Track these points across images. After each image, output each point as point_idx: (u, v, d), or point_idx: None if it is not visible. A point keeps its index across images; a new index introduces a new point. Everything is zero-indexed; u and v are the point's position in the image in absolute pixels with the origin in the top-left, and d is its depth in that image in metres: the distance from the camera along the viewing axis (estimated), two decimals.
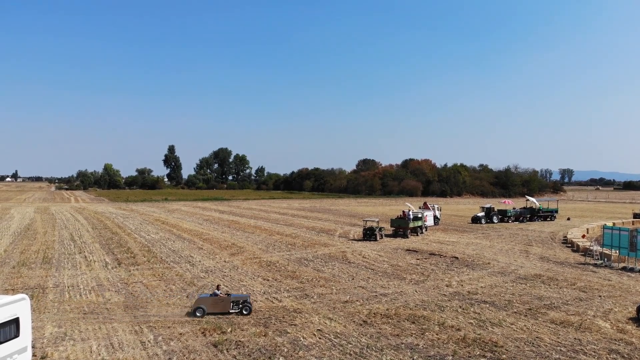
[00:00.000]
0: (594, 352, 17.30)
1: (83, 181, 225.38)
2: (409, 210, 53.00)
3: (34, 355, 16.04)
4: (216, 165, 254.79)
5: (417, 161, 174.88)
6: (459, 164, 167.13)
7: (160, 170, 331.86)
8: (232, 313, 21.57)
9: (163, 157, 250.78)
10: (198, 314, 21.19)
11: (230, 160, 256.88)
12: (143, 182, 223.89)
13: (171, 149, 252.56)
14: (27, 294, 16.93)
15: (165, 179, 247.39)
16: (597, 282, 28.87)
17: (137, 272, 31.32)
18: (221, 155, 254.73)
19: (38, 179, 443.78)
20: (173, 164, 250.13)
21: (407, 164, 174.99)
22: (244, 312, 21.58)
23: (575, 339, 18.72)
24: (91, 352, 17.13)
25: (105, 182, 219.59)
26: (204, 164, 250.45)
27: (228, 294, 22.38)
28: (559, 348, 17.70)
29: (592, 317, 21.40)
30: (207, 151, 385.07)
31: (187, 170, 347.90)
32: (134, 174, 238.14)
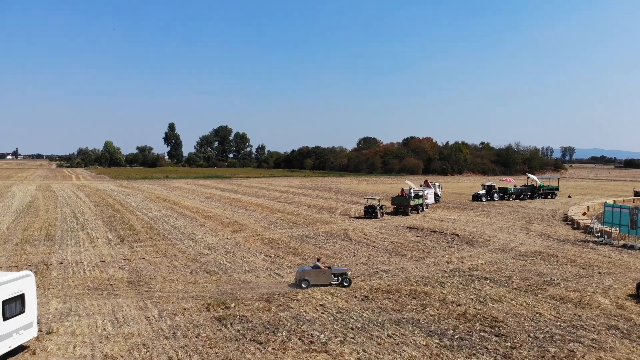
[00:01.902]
0: (593, 327, 17.50)
1: (84, 159, 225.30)
2: (410, 189, 53.03)
3: (39, 330, 16.26)
4: (217, 143, 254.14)
5: (419, 139, 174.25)
6: (460, 142, 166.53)
7: (160, 148, 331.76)
8: (332, 284, 22.39)
9: (163, 135, 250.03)
10: (304, 285, 21.99)
11: (231, 138, 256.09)
12: (144, 160, 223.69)
13: (171, 127, 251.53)
14: (31, 270, 17.06)
15: (166, 157, 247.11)
16: (597, 259, 29.05)
17: (140, 248, 31.53)
18: (221, 133, 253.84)
19: (38, 157, 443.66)
20: (173, 141, 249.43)
21: (409, 142, 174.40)
22: (345, 284, 22.38)
23: (574, 314, 18.92)
24: (96, 327, 17.36)
25: (106, 159, 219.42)
26: (204, 142, 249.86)
27: (329, 267, 23.18)
28: (558, 324, 17.90)
29: (591, 294, 21.59)
30: (208, 129, 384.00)
31: (188, 148, 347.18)
32: (135, 151, 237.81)
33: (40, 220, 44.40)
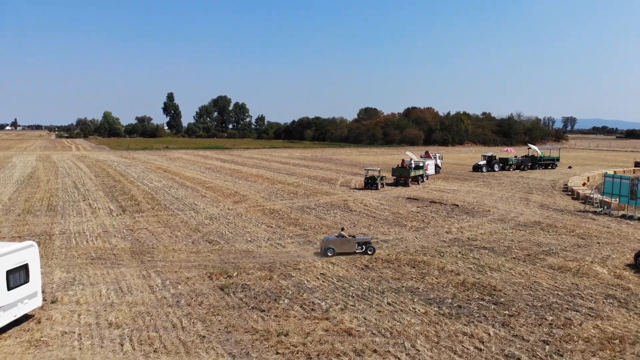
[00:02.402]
0: (591, 296, 17.75)
1: (83, 129, 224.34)
2: (410, 160, 52.94)
3: (44, 300, 16.50)
4: (216, 114, 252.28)
5: (420, 109, 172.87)
6: (461, 112, 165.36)
7: (159, 119, 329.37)
8: (357, 253, 22.89)
9: (162, 105, 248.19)
10: (329, 254, 22.52)
11: (230, 108, 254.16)
12: (143, 131, 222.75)
13: (170, 97, 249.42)
14: (34, 241, 17.20)
15: (165, 127, 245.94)
16: (596, 229, 29.25)
17: (141, 219, 31.72)
18: (221, 103, 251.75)
19: (37, 128, 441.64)
20: (172, 112, 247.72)
21: (409, 112, 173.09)
22: (368, 253, 22.90)
23: (572, 283, 19.17)
24: (101, 295, 17.62)
25: (105, 130, 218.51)
26: (203, 112, 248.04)
27: (353, 236, 23.61)
28: (556, 292, 18.15)
29: (589, 263, 21.82)
30: (206, 99, 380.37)
31: (187, 118, 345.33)
32: (134, 122, 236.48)
33: (41, 190, 44.52)
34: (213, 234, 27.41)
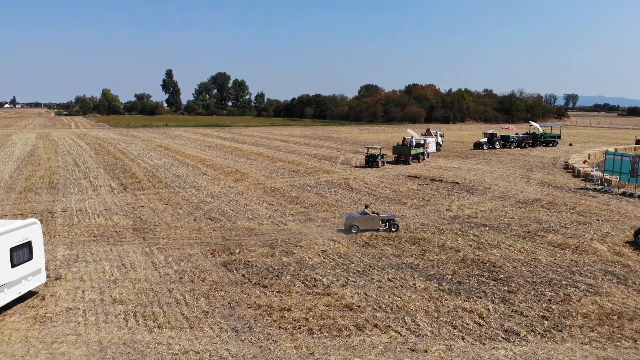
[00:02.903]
0: (590, 273, 17.91)
1: (82, 107, 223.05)
2: (411, 138, 52.76)
3: (48, 276, 16.65)
4: (215, 91, 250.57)
5: (421, 86, 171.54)
6: (463, 89, 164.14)
7: (158, 96, 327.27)
8: (380, 230, 23.01)
9: (161, 82, 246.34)
10: (353, 231, 22.64)
11: (229, 85, 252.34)
12: (142, 108, 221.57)
13: (169, 74, 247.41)
14: (36, 218, 17.28)
15: (165, 105, 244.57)
16: (596, 206, 29.34)
17: (143, 196, 31.81)
18: (220, 80, 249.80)
19: (36, 105, 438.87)
20: (172, 89, 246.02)
21: (411, 89, 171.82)
22: (392, 230, 23.03)
23: (572, 260, 19.32)
24: (104, 272, 17.79)
25: (104, 107, 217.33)
26: (202, 89, 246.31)
27: (376, 213, 23.84)
28: (555, 269, 18.31)
29: (589, 240, 21.96)
30: (205, 76, 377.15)
31: (186, 95, 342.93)
32: (133, 99, 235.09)
33: (42, 168, 44.54)
34: (214, 211, 27.52)
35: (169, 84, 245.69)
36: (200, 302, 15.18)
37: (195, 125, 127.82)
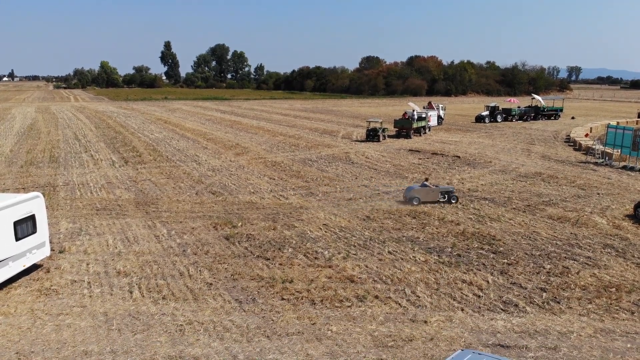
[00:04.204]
0: (589, 246, 18.08)
1: (80, 80, 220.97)
2: (413, 111, 52.42)
3: (52, 250, 16.82)
4: (214, 63, 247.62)
5: (423, 58, 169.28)
6: (465, 61, 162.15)
7: (157, 68, 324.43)
8: (440, 202, 23.57)
9: (159, 55, 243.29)
10: (415, 203, 23.26)
11: (229, 57, 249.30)
12: (141, 81, 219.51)
13: (167, 46, 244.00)
14: (38, 192, 17.36)
15: (164, 77, 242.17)
16: (597, 180, 29.39)
17: (144, 170, 31.86)
18: (219, 52, 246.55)
19: (35, 78, 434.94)
20: (170, 61, 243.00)
21: (413, 61, 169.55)
22: (452, 201, 23.62)
23: (571, 233, 19.47)
24: (107, 245, 17.97)
25: (103, 80, 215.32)
26: (201, 62, 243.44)
27: (436, 186, 24.37)
28: (554, 242, 18.48)
29: (589, 214, 22.08)
30: (204, 48, 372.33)
31: (185, 68, 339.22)
32: (132, 72, 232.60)
33: (42, 142, 44.47)
34: (216, 185, 27.61)
35: (168, 56, 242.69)
36: (203, 274, 15.39)
37: (194, 98, 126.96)
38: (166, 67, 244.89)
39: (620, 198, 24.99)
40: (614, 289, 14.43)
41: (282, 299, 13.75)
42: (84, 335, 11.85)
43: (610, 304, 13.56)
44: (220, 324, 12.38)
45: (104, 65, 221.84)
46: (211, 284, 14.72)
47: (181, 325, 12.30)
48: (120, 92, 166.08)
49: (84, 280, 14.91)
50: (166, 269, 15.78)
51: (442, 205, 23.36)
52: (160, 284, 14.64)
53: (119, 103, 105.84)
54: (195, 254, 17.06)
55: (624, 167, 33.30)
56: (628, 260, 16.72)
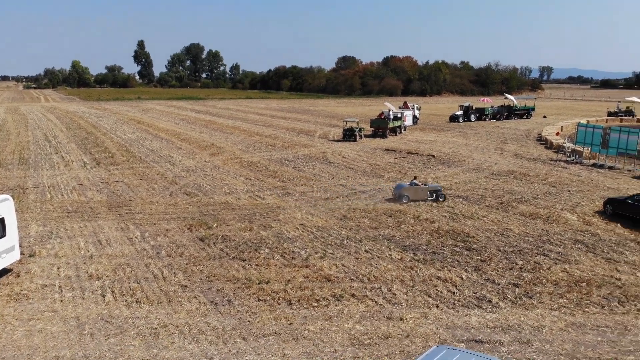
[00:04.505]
0: (560, 242, 18.49)
1: (51, 79, 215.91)
2: (389, 111, 52.78)
3: (22, 253, 16.37)
4: (188, 62, 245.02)
5: (399, 58, 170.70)
6: (440, 62, 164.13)
7: (130, 68, 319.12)
8: (428, 200, 23.91)
9: (133, 54, 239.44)
10: (404, 201, 23.64)
11: (203, 56, 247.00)
12: (114, 80, 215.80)
13: (141, 45, 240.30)
14: (8, 194, 16.87)
15: (137, 77, 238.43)
16: (567, 177, 30.09)
17: (117, 171, 31.30)
18: (193, 51, 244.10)
19: (4, 78, 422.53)
20: (144, 60, 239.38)
21: (388, 61, 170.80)
22: (440, 200, 23.99)
23: (542, 230, 19.88)
24: (79, 248, 17.58)
25: (74, 80, 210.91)
26: (175, 61, 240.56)
27: (425, 184, 24.84)
28: (527, 238, 18.84)
29: (560, 210, 22.57)
30: (178, 47, 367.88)
31: (159, 67, 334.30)
32: (104, 71, 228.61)
33: (11, 144, 43.28)
34: (191, 186, 27.30)
35: (141, 56, 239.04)
36: (178, 276, 15.19)
37: (168, 98, 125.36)
38: (139, 67, 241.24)
39: (590, 195, 25.63)
40: (585, 283, 14.79)
41: (259, 299, 13.68)
42: (56, 341, 11.57)
43: (581, 298, 13.89)
44: (196, 326, 12.24)
45: (75, 65, 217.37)
46: (186, 286, 14.54)
47: (155, 328, 12.12)
48: (92, 92, 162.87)
49: (55, 285, 14.56)
50: (140, 272, 15.52)
51: (418, 203, 23.59)
52: (133, 287, 14.39)
53: (90, 103, 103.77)
54: (170, 256, 16.83)
55: (594, 165, 34.18)
56: (598, 255, 17.16)
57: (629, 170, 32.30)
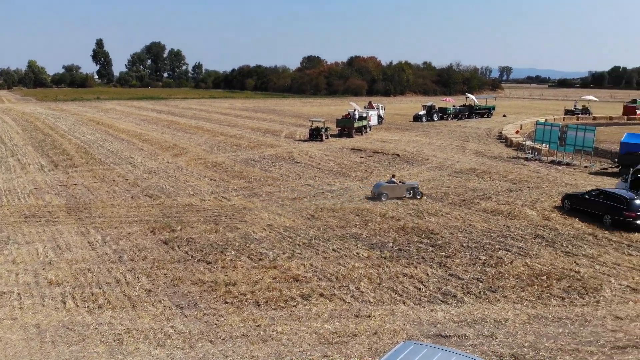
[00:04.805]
0: (521, 237, 19.03)
1: (6, 80, 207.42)
2: (354, 111, 53.11)
3: None
4: (149, 61, 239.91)
5: (363, 58, 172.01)
6: (403, 62, 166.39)
7: (88, 67, 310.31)
8: (406, 197, 24.38)
9: (91, 53, 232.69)
10: (383, 199, 23.98)
11: (165, 55, 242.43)
12: (72, 80, 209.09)
13: (99, 44, 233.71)
14: None
15: (95, 77, 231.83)
16: (527, 174, 31.00)
17: (76, 174, 30.35)
18: (154, 50, 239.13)
19: None
20: (102, 59, 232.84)
21: (353, 61, 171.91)
22: (417, 197, 24.52)
23: (504, 225, 20.42)
24: (38, 254, 16.95)
25: (30, 80, 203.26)
26: (136, 60, 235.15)
27: (402, 182, 25.31)
28: (489, 234, 19.31)
29: (520, 206, 23.23)
30: (139, 46, 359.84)
31: (118, 67, 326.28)
32: (61, 71, 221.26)
33: None
34: (153, 188, 26.73)
35: (100, 55, 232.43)
36: (141, 280, 14.84)
37: (129, 98, 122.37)
38: (98, 66, 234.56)
39: (548, 191, 26.48)
40: (545, 277, 15.26)
41: (226, 302, 13.51)
42: (16, 349, 11.13)
43: (542, 291, 14.33)
44: (161, 331, 11.99)
45: (31, 65, 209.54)
46: (150, 290, 14.22)
47: (119, 334, 11.80)
48: (49, 92, 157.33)
49: (14, 292, 14.00)
50: (101, 277, 15.09)
51: (384, 201, 23.83)
52: (95, 293, 13.97)
53: (47, 104, 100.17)
54: (133, 260, 16.42)
55: (552, 162, 35.36)
56: (557, 249, 17.74)
57: (585, 167, 33.60)
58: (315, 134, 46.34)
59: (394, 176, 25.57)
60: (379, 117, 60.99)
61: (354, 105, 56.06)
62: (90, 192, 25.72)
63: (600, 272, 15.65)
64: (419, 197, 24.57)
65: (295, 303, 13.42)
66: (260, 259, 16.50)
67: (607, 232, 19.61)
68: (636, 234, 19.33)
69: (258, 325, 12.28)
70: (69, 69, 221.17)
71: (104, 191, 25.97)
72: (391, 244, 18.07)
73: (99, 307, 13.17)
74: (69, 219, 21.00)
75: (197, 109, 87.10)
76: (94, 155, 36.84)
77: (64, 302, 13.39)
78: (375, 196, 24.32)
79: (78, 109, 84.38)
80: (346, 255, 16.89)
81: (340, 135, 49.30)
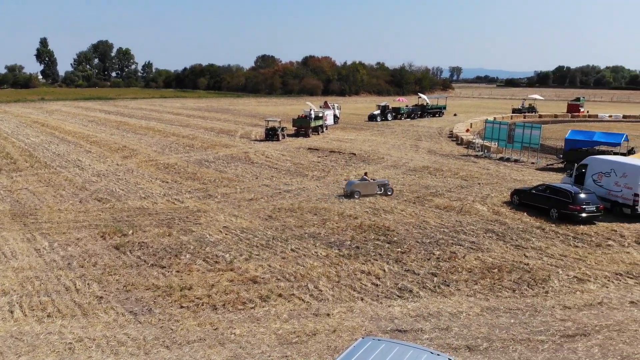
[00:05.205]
0: (473, 231, 19.60)
1: None
2: (310, 110, 53.19)
3: None
4: (97, 61, 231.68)
5: (317, 58, 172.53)
6: (357, 62, 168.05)
7: (32, 67, 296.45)
8: (377, 194, 24.72)
9: (35, 52, 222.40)
10: (356, 196, 24.33)
11: (113, 54, 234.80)
12: (14, 81, 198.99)
13: (43, 42, 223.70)
14: None
15: (40, 77, 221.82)
16: (477, 171, 31.98)
17: (20, 178, 28.92)
18: (101, 48, 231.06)
19: None
20: (47, 59, 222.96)
21: (308, 61, 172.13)
22: (388, 193, 24.94)
23: (456, 221, 20.98)
24: None
25: None
26: (82, 59, 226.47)
27: (373, 179, 25.63)
28: (442, 229, 19.80)
29: (471, 202, 23.94)
30: (85, 44, 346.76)
31: (64, 66, 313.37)
32: (3, 71, 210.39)
33: None
34: (102, 191, 25.83)
35: (44, 54, 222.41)
36: (92, 287, 14.31)
37: (75, 98, 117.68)
38: (42, 66, 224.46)
39: (498, 187, 27.42)
40: (496, 269, 15.79)
41: (181, 307, 13.21)
42: None
43: (494, 283, 14.82)
44: (114, 338, 11.59)
45: None
46: (101, 297, 13.72)
47: (70, 343, 11.33)
48: None
49: None
50: (50, 285, 14.43)
51: (341, 200, 23.98)
52: (44, 301, 13.36)
53: None
54: (82, 267, 15.80)
55: (501, 159, 36.64)
56: (507, 242, 18.39)
57: (532, 163, 35.01)
58: (272, 134, 46.10)
59: (366, 174, 26.07)
60: (335, 116, 61.34)
61: (310, 105, 56.16)
62: (36, 197, 24.57)
63: (548, 264, 16.34)
64: (389, 193, 25.05)
65: (253, 305, 13.29)
66: (216, 262, 16.24)
67: (554, 225, 20.49)
68: (581, 226, 20.30)
69: (215, 329, 12.08)
70: (12, 68, 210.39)
71: (51, 196, 24.88)
72: (349, 242, 18.21)
73: (48, 315, 12.59)
74: (14, 225, 19.99)
75: (147, 109, 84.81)
76: (39, 159, 35.21)
77: (12, 312, 12.74)
78: (348, 194, 24.65)
79: (21, 111, 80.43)
80: (305, 255, 16.88)
81: (296, 135, 49.25)
